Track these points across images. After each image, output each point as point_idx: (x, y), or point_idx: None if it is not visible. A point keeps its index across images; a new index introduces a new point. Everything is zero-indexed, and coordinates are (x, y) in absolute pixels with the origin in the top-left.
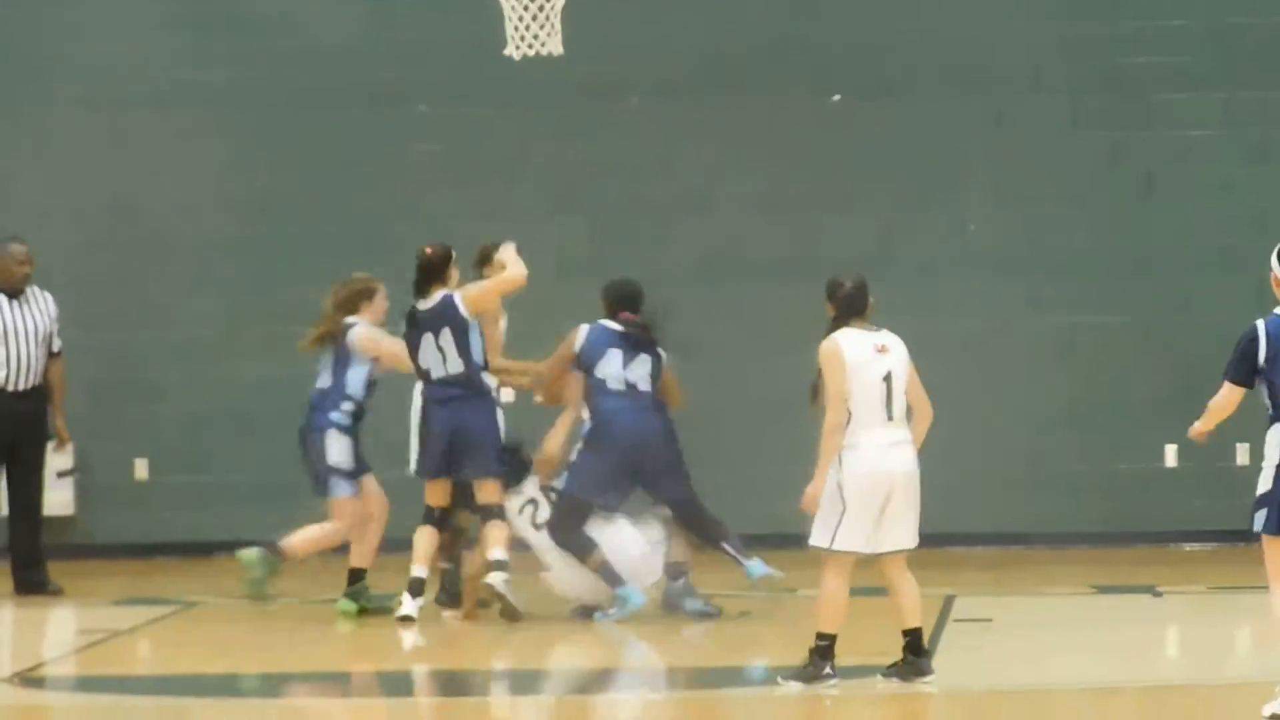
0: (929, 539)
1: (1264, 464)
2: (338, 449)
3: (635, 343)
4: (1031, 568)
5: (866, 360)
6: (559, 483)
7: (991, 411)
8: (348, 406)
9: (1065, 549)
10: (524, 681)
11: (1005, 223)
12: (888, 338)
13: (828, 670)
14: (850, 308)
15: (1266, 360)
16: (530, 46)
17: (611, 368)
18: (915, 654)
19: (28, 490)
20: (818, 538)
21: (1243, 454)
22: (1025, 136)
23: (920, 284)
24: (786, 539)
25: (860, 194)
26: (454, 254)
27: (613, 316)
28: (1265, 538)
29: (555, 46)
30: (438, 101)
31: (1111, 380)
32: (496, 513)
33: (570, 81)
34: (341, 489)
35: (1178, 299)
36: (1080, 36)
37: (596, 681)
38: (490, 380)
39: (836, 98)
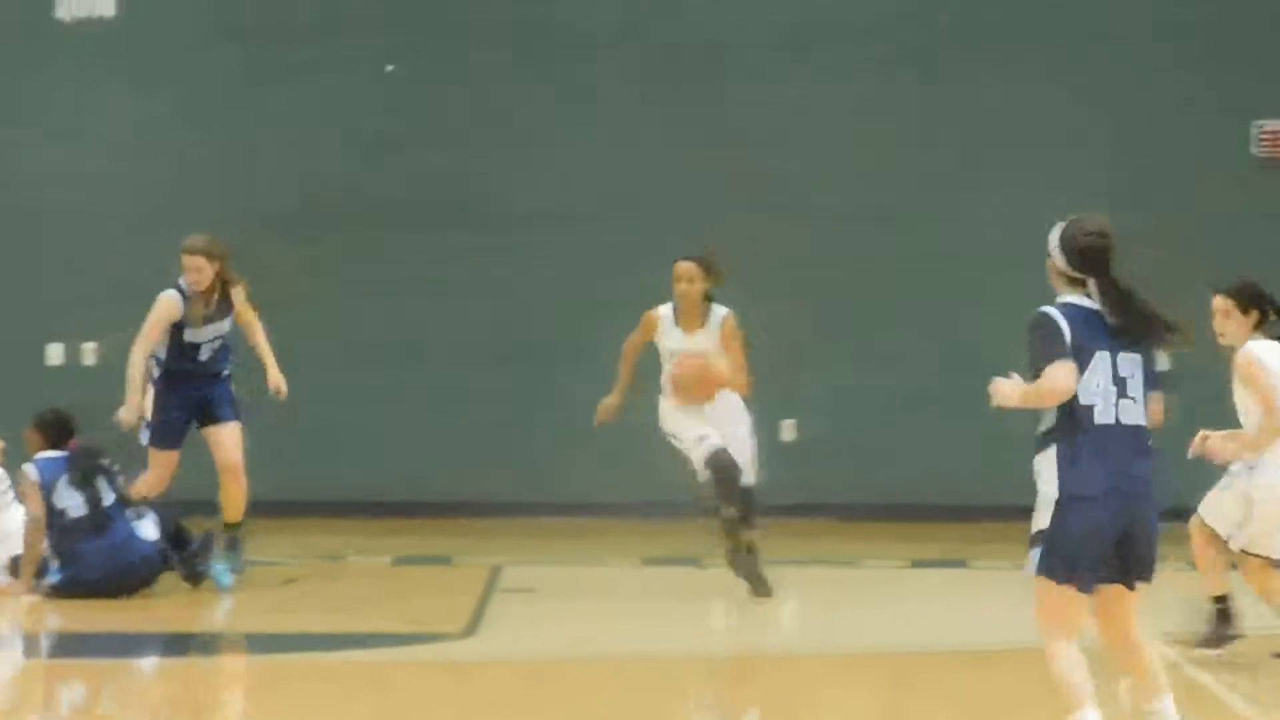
0: (484, 508)
1: (1041, 489)
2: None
3: None
4: (583, 538)
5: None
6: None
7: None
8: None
9: (614, 520)
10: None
11: None
12: None
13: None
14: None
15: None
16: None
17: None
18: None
19: None
20: None
21: (788, 430)
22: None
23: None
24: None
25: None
26: None
27: None
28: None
29: (106, 8)
30: None
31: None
32: None
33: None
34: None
35: None
36: None
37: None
38: None
39: (390, 69)
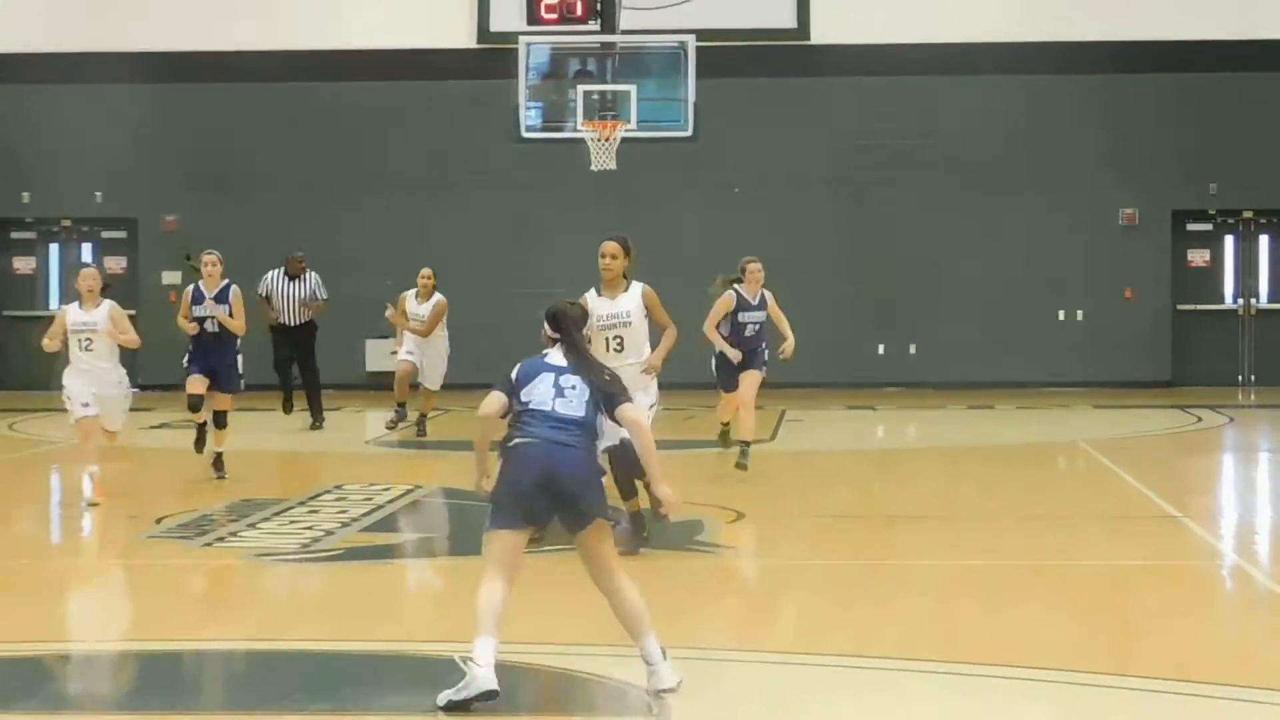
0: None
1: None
2: None
3: None
4: None
5: None
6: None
7: None
8: None
9: None
10: None
11: None
12: None
13: None
14: None
15: (518, 386)
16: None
17: None
18: None
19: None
20: None
21: (913, 349)
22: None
23: None
24: None
25: None
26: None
27: None
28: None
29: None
30: None
31: None
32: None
33: None
34: None
35: None
36: None
37: None
38: None
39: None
